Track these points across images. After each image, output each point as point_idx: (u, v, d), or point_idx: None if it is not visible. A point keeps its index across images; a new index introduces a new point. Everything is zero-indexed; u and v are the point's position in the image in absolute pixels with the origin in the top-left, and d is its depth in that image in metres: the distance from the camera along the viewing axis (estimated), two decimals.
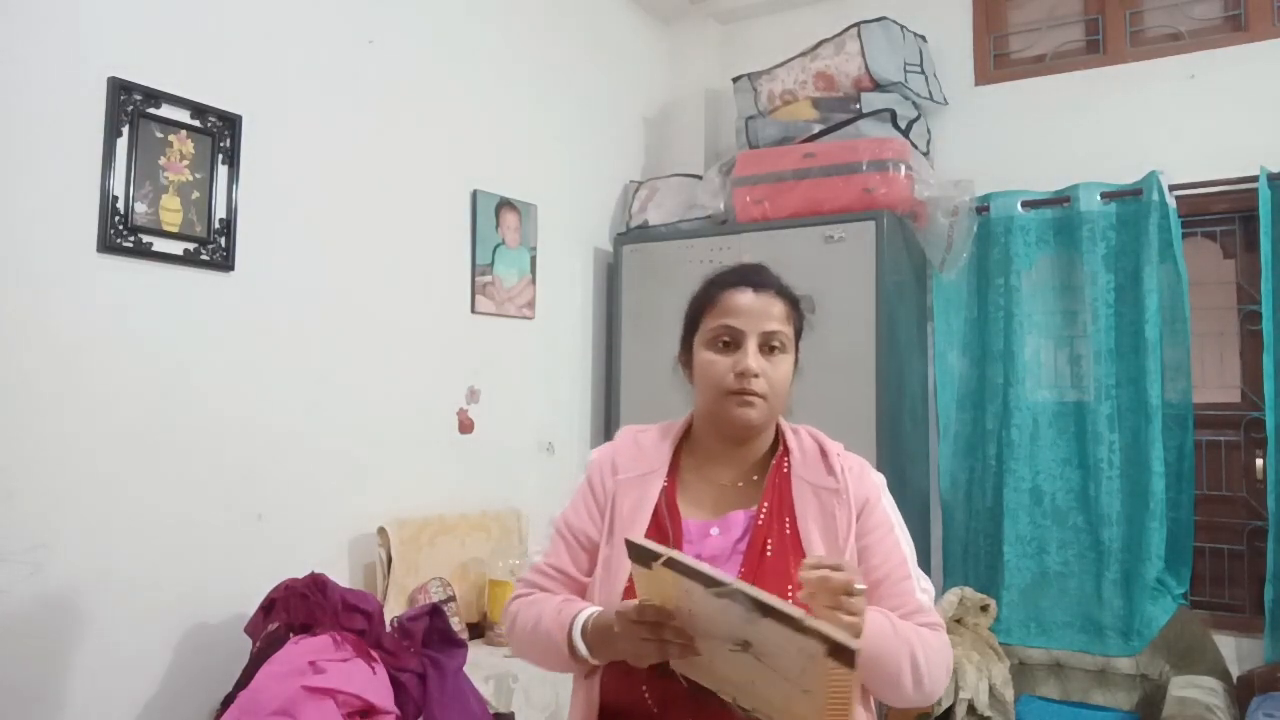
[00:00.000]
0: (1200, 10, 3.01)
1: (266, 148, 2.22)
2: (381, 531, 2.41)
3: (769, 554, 1.22)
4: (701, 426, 1.35)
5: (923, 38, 3.23)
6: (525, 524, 2.82)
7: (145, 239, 1.99)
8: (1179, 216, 2.81)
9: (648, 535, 1.25)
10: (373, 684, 1.79)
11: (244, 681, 1.85)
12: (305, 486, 2.30)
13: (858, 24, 3.12)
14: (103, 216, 1.92)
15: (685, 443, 1.38)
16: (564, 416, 3.16)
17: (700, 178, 3.32)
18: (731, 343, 1.27)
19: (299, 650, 1.81)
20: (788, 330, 1.30)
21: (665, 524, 1.27)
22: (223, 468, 2.12)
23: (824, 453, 1.31)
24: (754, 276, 1.32)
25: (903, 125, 3.03)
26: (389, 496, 2.50)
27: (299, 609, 1.92)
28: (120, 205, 1.95)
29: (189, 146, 2.07)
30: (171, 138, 2.04)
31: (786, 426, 1.35)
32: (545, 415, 3.07)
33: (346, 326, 2.42)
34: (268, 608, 1.97)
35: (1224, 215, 2.89)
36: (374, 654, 1.87)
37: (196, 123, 2.09)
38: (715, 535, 1.26)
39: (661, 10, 3.69)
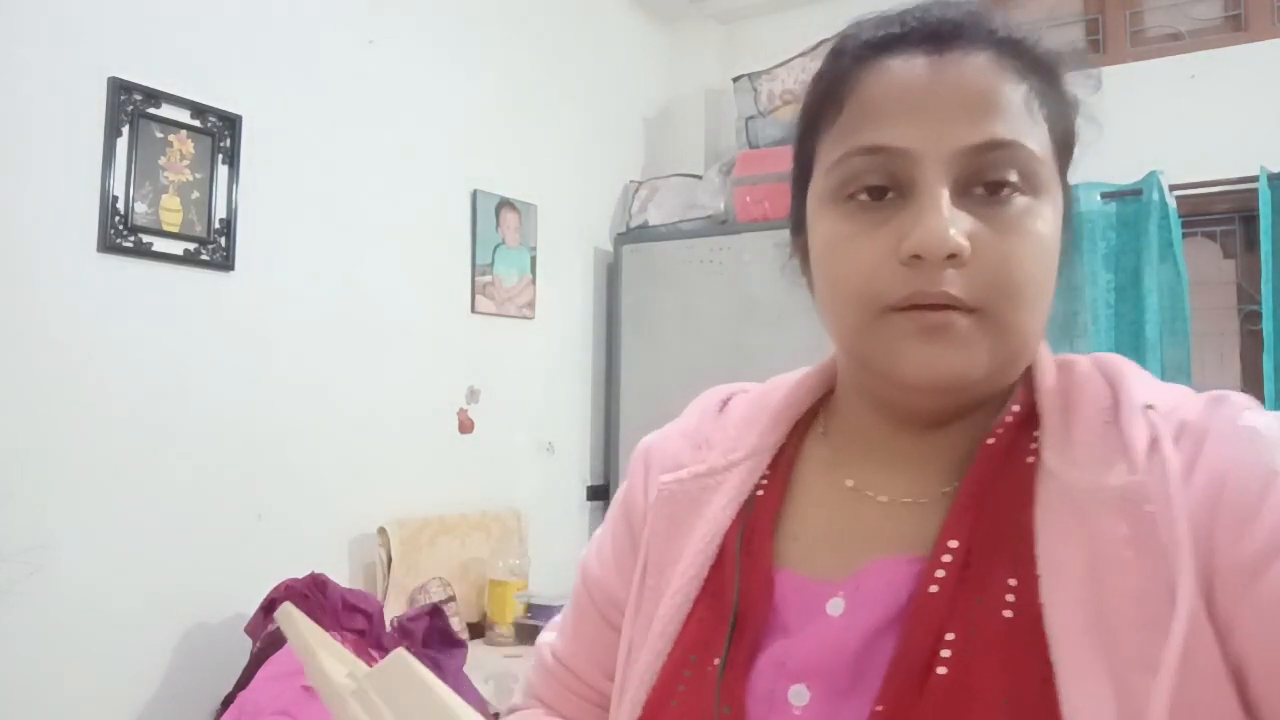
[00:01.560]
0: (1200, 10, 3.01)
1: (266, 148, 2.22)
2: (381, 531, 2.41)
3: (942, 671, 0.51)
4: (847, 384, 0.67)
5: None
6: (525, 524, 2.82)
7: (145, 239, 1.99)
8: (1179, 216, 2.81)
9: (702, 596, 0.63)
10: None
11: (244, 681, 1.85)
12: (305, 486, 2.30)
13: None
14: (103, 216, 1.92)
15: (824, 411, 0.70)
16: (564, 416, 3.16)
17: (700, 178, 3.32)
18: (890, 187, 0.56)
19: None
20: (1033, 141, 0.56)
21: (731, 576, 0.62)
22: (223, 468, 2.12)
23: (1116, 404, 0.56)
24: (934, 20, 0.58)
25: None
26: (389, 496, 2.49)
27: (299, 609, 1.92)
28: (120, 205, 1.95)
29: (189, 146, 2.07)
30: (171, 138, 2.04)
31: (1044, 360, 0.62)
32: (545, 415, 3.07)
33: (346, 326, 2.42)
34: (268, 608, 1.97)
35: (1224, 215, 2.89)
36: (374, 654, 1.88)
37: (196, 123, 2.09)
38: (836, 615, 0.57)
39: (661, 10, 3.68)
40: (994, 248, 0.54)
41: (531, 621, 2.53)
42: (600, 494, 3.25)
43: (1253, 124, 2.80)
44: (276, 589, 1.99)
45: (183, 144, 2.06)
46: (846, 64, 0.61)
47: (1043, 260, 0.56)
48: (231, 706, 1.77)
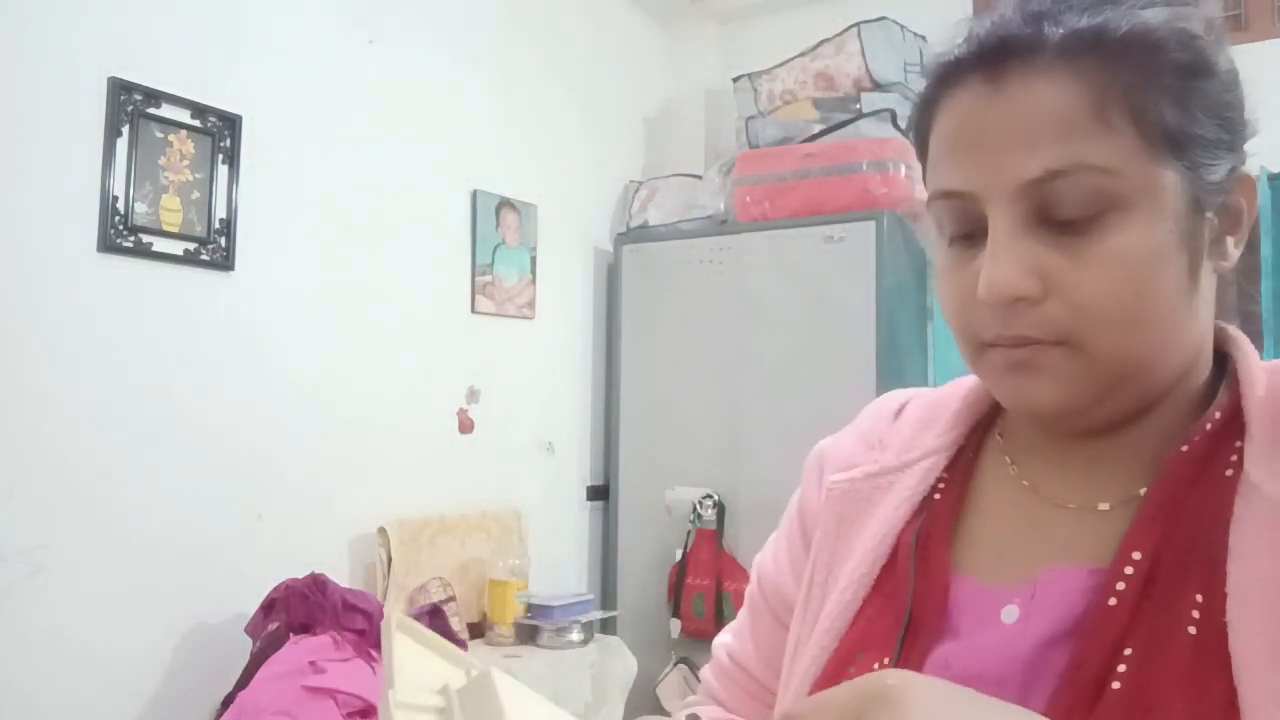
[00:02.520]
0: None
1: (266, 148, 2.22)
2: (381, 531, 2.41)
3: (1116, 686, 0.50)
4: None
5: (923, 38, 3.23)
6: (525, 524, 2.82)
7: (145, 239, 1.99)
8: None
9: (872, 596, 0.63)
10: (373, 684, 1.80)
11: (244, 681, 1.85)
12: (305, 486, 2.30)
13: (858, 24, 3.11)
14: (103, 216, 1.92)
15: (1002, 415, 0.67)
16: (564, 416, 3.16)
17: (700, 178, 3.32)
18: (972, 230, 0.57)
19: (299, 650, 1.82)
20: (1105, 153, 0.51)
21: (904, 578, 0.61)
22: (223, 468, 2.12)
23: None
24: (989, 38, 0.54)
25: (903, 125, 3.03)
26: (389, 496, 2.50)
27: (299, 609, 1.93)
28: (120, 205, 1.95)
29: (189, 146, 2.07)
30: (171, 138, 2.04)
31: (1247, 366, 0.58)
32: (545, 415, 3.07)
33: (346, 326, 2.42)
34: (268, 608, 1.97)
35: None
36: (374, 654, 1.88)
37: (196, 123, 2.09)
38: (1010, 622, 0.56)
39: (661, 10, 3.68)
40: (1073, 280, 0.52)
41: (531, 621, 2.53)
42: (600, 494, 3.25)
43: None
44: (276, 589, 1.99)
45: (183, 144, 2.07)
46: (928, 94, 0.59)
47: (1136, 278, 0.52)
48: (231, 706, 1.77)
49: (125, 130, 1.96)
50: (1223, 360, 0.60)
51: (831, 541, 0.66)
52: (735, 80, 3.40)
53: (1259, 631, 0.47)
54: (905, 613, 0.59)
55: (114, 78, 1.94)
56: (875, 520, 0.64)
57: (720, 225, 3.13)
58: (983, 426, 0.68)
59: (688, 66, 3.73)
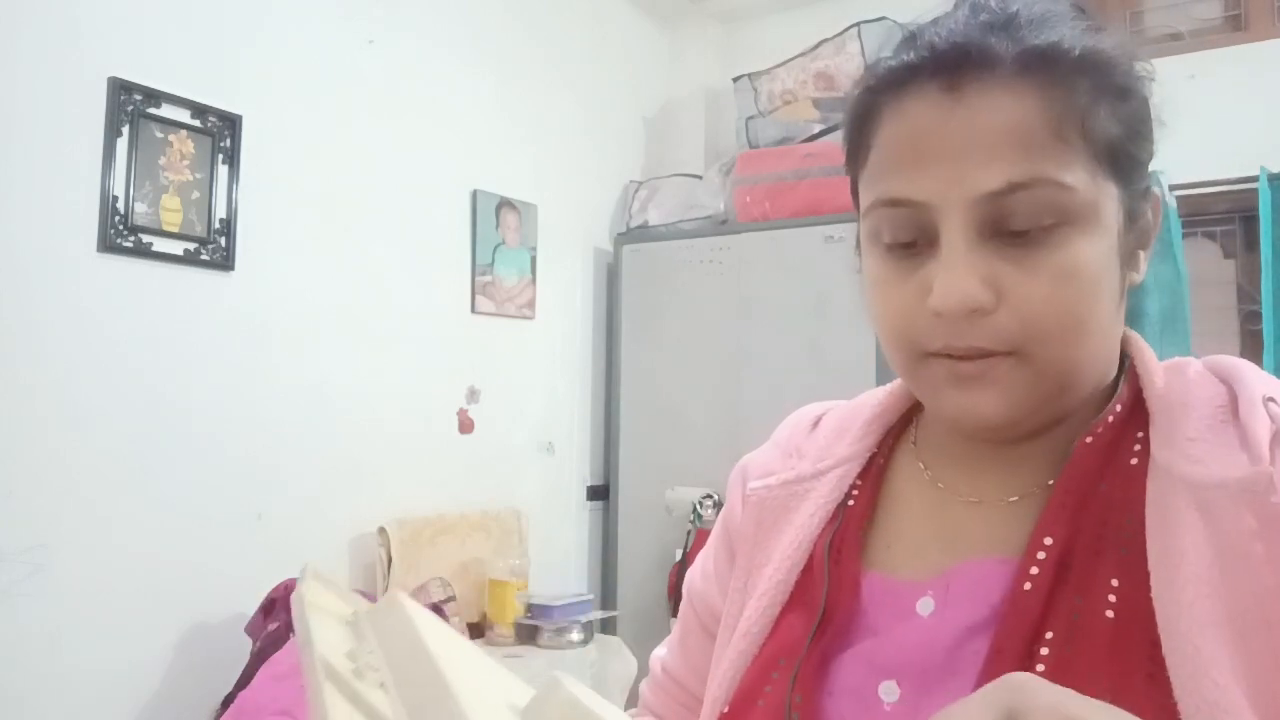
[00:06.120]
0: (1200, 10, 3.01)
1: (266, 148, 2.22)
2: (381, 531, 2.41)
3: (1040, 669, 0.50)
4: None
5: None
6: (525, 524, 2.82)
7: (145, 239, 1.99)
8: (1179, 216, 2.81)
9: (790, 603, 0.63)
10: None
11: (244, 681, 1.85)
12: (305, 486, 2.30)
13: (858, 24, 3.12)
14: (103, 216, 1.92)
15: (916, 420, 0.69)
16: (564, 416, 3.16)
17: (700, 178, 3.32)
18: (917, 238, 0.56)
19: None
20: (1062, 168, 0.52)
21: (820, 578, 0.61)
22: (223, 468, 2.12)
23: (1234, 402, 0.55)
24: (946, 46, 0.55)
25: None
26: (389, 496, 2.50)
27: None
28: (120, 205, 1.95)
29: (189, 146, 2.07)
30: (171, 138, 2.04)
31: (1145, 361, 0.60)
32: (545, 415, 3.07)
33: (346, 326, 2.42)
34: (268, 608, 1.97)
35: (1224, 215, 2.89)
36: None
37: (196, 123, 2.09)
38: (926, 614, 0.57)
39: (661, 10, 3.68)
40: (1024, 290, 0.53)
41: (531, 621, 2.53)
42: (600, 494, 3.25)
43: (1253, 124, 2.80)
44: (276, 589, 1.99)
45: (183, 144, 2.07)
46: (871, 100, 0.59)
47: (1083, 291, 0.53)
48: (231, 706, 1.77)
49: (125, 130, 1.96)
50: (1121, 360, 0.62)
51: (749, 547, 0.68)
52: (735, 80, 3.41)
53: (1191, 606, 0.47)
54: (815, 611, 0.60)
55: (114, 78, 1.94)
56: (792, 527, 0.66)
57: (720, 225, 3.13)
58: (894, 434, 0.69)
59: (688, 66, 3.73)
